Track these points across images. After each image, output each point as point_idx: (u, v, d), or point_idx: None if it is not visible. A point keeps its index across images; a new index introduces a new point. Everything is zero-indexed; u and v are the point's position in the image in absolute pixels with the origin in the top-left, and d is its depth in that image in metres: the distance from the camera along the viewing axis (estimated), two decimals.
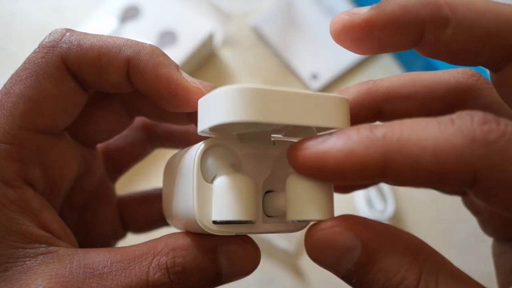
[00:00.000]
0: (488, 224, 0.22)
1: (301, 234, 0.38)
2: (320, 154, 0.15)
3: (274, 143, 0.19)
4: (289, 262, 0.38)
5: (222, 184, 0.17)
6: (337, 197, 0.38)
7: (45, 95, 0.19)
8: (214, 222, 0.17)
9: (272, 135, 0.19)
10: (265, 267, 0.37)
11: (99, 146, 0.24)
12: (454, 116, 0.15)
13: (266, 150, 0.19)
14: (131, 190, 0.38)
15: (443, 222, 0.41)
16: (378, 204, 0.38)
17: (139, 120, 0.24)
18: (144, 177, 0.41)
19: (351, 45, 0.18)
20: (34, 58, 0.19)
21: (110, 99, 0.22)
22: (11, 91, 0.19)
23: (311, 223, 0.17)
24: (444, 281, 0.15)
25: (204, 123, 0.17)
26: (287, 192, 0.17)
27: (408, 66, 0.44)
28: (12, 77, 0.19)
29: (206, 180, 0.18)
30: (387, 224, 0.16)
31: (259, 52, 0.45)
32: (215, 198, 0.17)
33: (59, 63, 0.19)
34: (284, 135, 0.19)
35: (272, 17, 0.46)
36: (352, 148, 0.15)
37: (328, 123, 0.16)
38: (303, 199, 0.17)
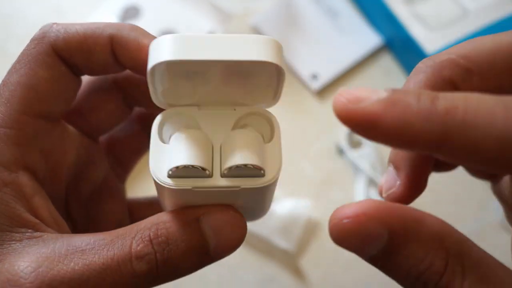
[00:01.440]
0: None
1: (301, 233, 0.38)
2: (373, 115, 0.14)
3: (235, 109, 0.20)
4: (289, 261, 0.38)
5: (175, 137, 0.19)
6: (338, 195, 0.38)
7: (39, 81, 0.20)
8: (169, 176, 0.18)
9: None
10: (265, 267, 0.37)
11: (101, 142, 0.24)
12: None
13: (225, 115, 0.19)
14: (137, 187, 0.39)
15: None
16: None
17: (135, 111, 0.24)
18: (146, 175, 0.41)
19: (357, 132, 0.15)
20: (26, 50, 0.21)
21: (108, 89, 0.23)
22: (8, 81, 0.20)
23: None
24: (471, 265, 0.15)
25: (147, 69, 0.18)
26: (228, 143, 0.19)
27: (408, 66, 0.44)
28: (8, 70, 0.21)
29: (164, 142, 0.19)
30: (411, 208, 0.16)
31: None
32: (169, 151, 0.18)
33: (49, 51, 0.20)
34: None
35: (272, 17, 0.46)
36: (411, 120, 0.14)
37: (249, 56, 0.17)
38: (239, 146, 0.18)
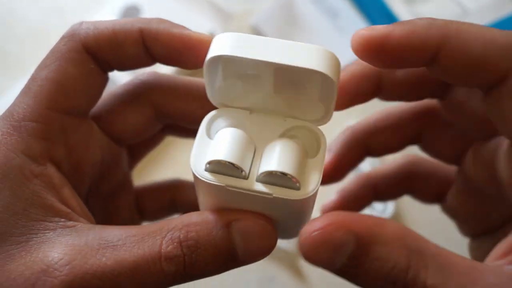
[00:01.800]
0: (464, 223, 0.24)
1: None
2: (385, 32, 0.18)
3: (285, 120, 0.20)
4: (289, 261, 0.38)
5: (219, 133, 0.19)
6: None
7: (68, 77, 0.20)
8: (207, 170, 0.18)
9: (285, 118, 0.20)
10: (265, 267, 0.37)
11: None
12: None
13: (274, 123, 0.20)
14: (143, 178, 0.39)
15: (443, 222, 0.41)
16: (377, 204, 0.38)
17: (146, 99, 0.24)
18: (157, 166, 0.41)
19: (369, 59, 0.19)
20: (56, 47, 0.21)
21: (142, 100, 0.23)
22: (37, 76, 0.21)
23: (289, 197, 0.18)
24: (430, 257, 0.17)
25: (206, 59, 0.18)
26: (270, 149, 0.19)
27: None
28: (38, 66, 0.21)
29: (210, 138, 0.19)
30: (373, 216, 0.18)
31: None
32: (211, 144, 0.19)
33: (79, 47, 0.21)
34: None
35: (272, 17, 0.46)
36: (416, 28, 0.17)
37: (304, 64, 0.17)
38: (280, 154, 0.18)
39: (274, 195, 0.18)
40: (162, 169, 0.41)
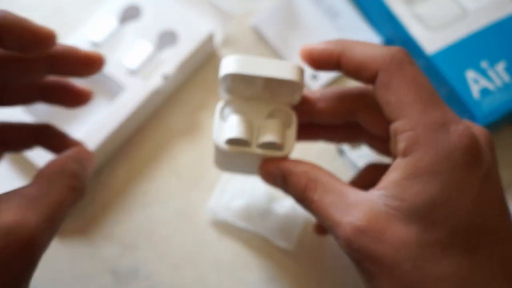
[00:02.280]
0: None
1: (300, 232, 0.38)
2: (310, 49, 0.29)
3: (269, 104, 0.31)
4: (288, 261, 0.38)
5: (230, 119, 0.30)
6: None
7: None
8: (226, 143, 0.30)
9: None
10: (264, 267, 0.37)
11: None
12: (394, 48, 0.27)
13: (263, 107, 0.31)
14: (144, 178, 0.39)
15: None
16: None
17: None
18: (157, 166, 0.41)
19: (307, 63, 0.30)
20: None
21: None
22: None
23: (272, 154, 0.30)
24: (321, 183, 0.28)
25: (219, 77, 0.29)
26: (263, 126, 0.30)
27: None
28: None
29: (223, 120, 0.30)
30: (297, 160, 0.29)
31: (259, 52, 0.45)
32: (227, 127, 0.30)
33: None
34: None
35: (272, 17, 0.46)
36: (328, 46, 0.29)
37: (284, 75, 0.28)
38: (270, 130, 0.30)
39: (268, 155, 0.30)
40: (162, 168, 0.41)
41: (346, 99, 0.31)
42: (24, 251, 0.23)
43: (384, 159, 0.36)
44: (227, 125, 0.30)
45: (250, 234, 0.38)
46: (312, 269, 0.37)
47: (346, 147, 0.41)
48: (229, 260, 0.38)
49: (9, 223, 0.23)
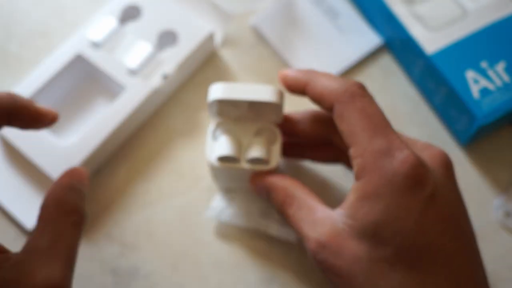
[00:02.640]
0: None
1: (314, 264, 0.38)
2: (285, 74, 0.33)
3: (255, 123, 0.35)
4: (289, 261, 0.37)
5: (220, 139, 0.34)
6: (338, 194, 0.37)
7: None
8: (218, 160, 0.34)
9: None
10: (264, 266, 0.37)
11: None
12: (350, 82, 0.30)
13: (250, 126, 0.35)
14: (144, 178, 0.39)
15: None
16: None
17: None
18: (157, 165, 0.41)
19: (282, 85, 0.34)
20: None
21: None
22: None
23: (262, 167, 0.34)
24: (297, 199, 0.31)
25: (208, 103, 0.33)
26: (251, 144, 0.34)
27: (407, 66, 0.44)
28: None
29: (215, 140, 0.34)
30: (280, 175, 0.33)
31: (259, 52, 0.45)
32: (218, 146, 0.34)
33: None
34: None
35: (272, 17, 0.46)
36: (297, 75, 0.32)
37: (264, 98, 0.32)
38: (256, 145, 0.34)
39: (256, 169, 0.34)
40: (162, 168, 0.41)
41: (321, 122, 0.34)
42: None
43: None
44: (218, 144, 0.33)
45: (251, 234, 0.38)
46: (313, 269, 0.37)
47: None
48: (229, 260, 0.38)
49: (40, 283, 0.24)
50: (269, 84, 0.34)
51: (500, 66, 0.39)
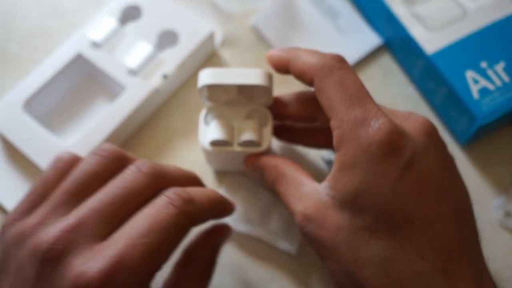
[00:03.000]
0: None
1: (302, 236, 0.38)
2: (270, 54, 0.34)
3: (246, 106, 0.35)
4: (289, 265, 0.37)
5: (212, 124, 0.34)
6: None
7: None
8: (210, 145, 0.34)
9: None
10: (265, 269, 0.37)
11: None
12: (328, 56, 0.30)
13: (241, 110, 0.35)
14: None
15: None
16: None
17: None
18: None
19: (269, 65, 0.34)
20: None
21: None
22: None
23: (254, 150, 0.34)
24: (286, 179, 0.31)
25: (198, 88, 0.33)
26: (242, 127, 0.34)
27: (407, 66, 0.44)
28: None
29: (207, 124, 0.35)
30: (271, 155, 0.34)
31: (259, 52, 0.45)
32: (210, 131, 0.34)
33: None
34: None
35: (272, 17, 0.46)
36: (281, 54, 0.33)
37: (253, 81, 0.32)
38: (248, 128, 0.34)
39: (248, 151, 0.34)
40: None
41: (307, 102, 0.34)
42: None
43: None
44: (210, 129, 0.34)
45: (251, 238, 0.38)
46: (313, 269, 0.37)
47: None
48: (229, 260, 0.38)
49: None
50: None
51: (500, 66, 0.39)
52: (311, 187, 0.30)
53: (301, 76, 0.31)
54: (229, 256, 0.38)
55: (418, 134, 0.29)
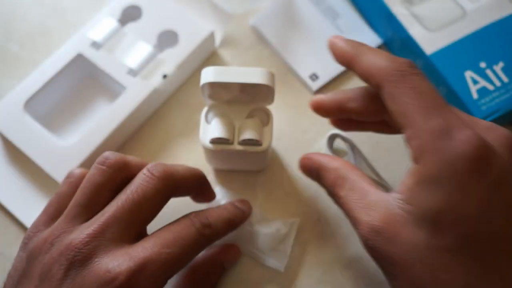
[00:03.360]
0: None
1: (290, 251, 0.38)
2: (333, 42, 0.33)
3: (248, 105, 0.35)
4: (290, 259, 0.38)
5: (214, 121, 0.34)
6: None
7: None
8: (210, 143, 0.34)
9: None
10: (265, 265, 0.37)
11: None
12: (399, 60, 0.28)
13: (242, 108, 0.35)
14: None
15: None
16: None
17: None
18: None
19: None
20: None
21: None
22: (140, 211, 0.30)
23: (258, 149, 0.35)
24: (348, 182, 0.29)
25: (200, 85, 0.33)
26: (243, 125, 0.34)
27: None
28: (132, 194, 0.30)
29: (208, 123, 0.35)
30: (329, 155, 0.32)
31: (259, 52, 0.45)
32: (211, 128, 0.34)
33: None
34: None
35: (272, 17, 0.46)
36: (346, 47, 0.32)
37: (256, 80, 0.32)
38: (249, 128, 0.34)
39: (248, 151, 0.34)
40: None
41: (372, 100, 0.32)
42: None
43: None
44: (211, 127, 0.34)
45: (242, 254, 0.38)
46: (312, 269, 0.37)
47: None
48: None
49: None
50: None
51: (499, 67, 0.39)
52: (378, 196, 0.28)
53: (366, 77, 0.29)
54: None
55: (503, 149, 0.26)
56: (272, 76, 0.33)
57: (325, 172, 0.31)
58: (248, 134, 0.33)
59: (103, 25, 0.42)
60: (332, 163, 0.31)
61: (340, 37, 0.32)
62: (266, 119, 0.35)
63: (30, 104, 0.40)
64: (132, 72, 0.41)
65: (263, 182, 0.40)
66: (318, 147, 0.42)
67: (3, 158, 0.41)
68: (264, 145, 0.34)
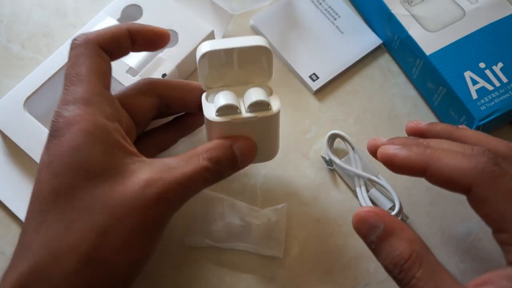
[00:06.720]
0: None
1: (291, 253, 0.38)
2: (391, 155, 0.29)
3: (248, 85, 0.33)
4: (290, 259, 0.38)
5: (216, 95, 0.32)
6: (337, 195, 0.38)
7: (101, 66, 0.31)
8: (217, 115, 0.32)
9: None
10: (265, 265, 0.37)
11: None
12: (475, 150, 0.27)
13: (242, 89, 0.33)
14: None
15: (443, 221, 0.41)
16: (383, 205, 0.38)
17: (153, 91, 0.36)
18: None
19: (386, 166, 0.30)
20: (78, 51, 0.31)
21: (149, 91, 0.35)
22: (78, 71, 0.31)
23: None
24: (426, 262, 0.25)
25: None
26: (247, 93, 0.32)
27: (406, 67, 0.44)
28: (69, 66, 0.31)
29: (209, 102, 0.33)
30: (399, 219, 0.28)
31: None
32: (214, 102, 0.32)
33: (97, 47, 0.32)
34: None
35: (271, 17, 0.46)
36: (411, 156, 0.28)
37: (254, 43, 0.31)
38: (254, 92, 0.32)
39: (258, 116, 0.32)
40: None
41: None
42: (158, 203, 0.28)
43: None
44: (215, 99, 0.32)
45: (236, 251, 0.38)
46: (312, 269, 0.37)
47: (331, 156, 0.41)
48: (229, 260, 0.38)
49: (147, 178, 0.28)
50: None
51: (498, 67, 0.40)
52: None
53: (448, 185, 0.27)
54: (229, 256, 0.38)
55: None
56: (267, 41, 0.32)
57: (397, 240, 0.27)
58: (255, 96, 0.31)
59: (103, 25, 0.42)
60: (407, 232, 0.27)
61: (389, 144, 0.30)
62: (268, 91, 0.33)
63: (30, 102, 0.40)
64: (132, 71, 0.41)
65: (264, 182, 0.40)
66: (318, 147, 0.42)
67: (3, 156, 0.41)
68: (274, 108, 0.32)
